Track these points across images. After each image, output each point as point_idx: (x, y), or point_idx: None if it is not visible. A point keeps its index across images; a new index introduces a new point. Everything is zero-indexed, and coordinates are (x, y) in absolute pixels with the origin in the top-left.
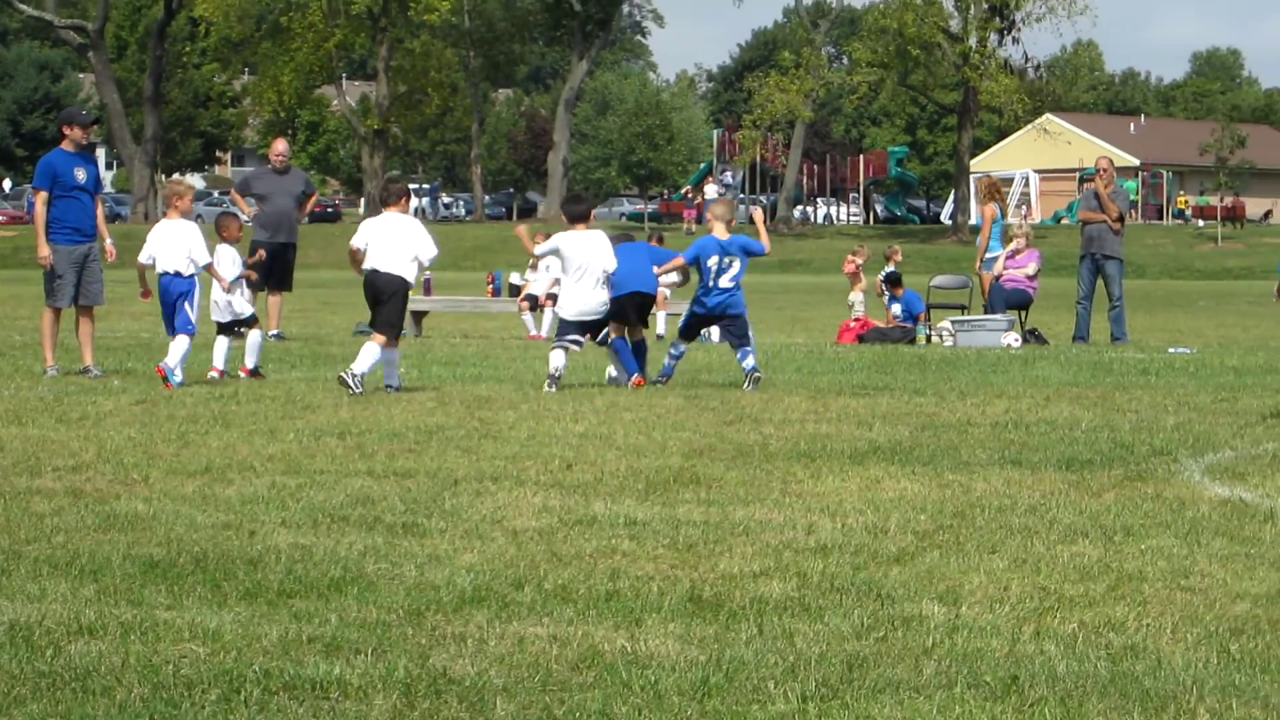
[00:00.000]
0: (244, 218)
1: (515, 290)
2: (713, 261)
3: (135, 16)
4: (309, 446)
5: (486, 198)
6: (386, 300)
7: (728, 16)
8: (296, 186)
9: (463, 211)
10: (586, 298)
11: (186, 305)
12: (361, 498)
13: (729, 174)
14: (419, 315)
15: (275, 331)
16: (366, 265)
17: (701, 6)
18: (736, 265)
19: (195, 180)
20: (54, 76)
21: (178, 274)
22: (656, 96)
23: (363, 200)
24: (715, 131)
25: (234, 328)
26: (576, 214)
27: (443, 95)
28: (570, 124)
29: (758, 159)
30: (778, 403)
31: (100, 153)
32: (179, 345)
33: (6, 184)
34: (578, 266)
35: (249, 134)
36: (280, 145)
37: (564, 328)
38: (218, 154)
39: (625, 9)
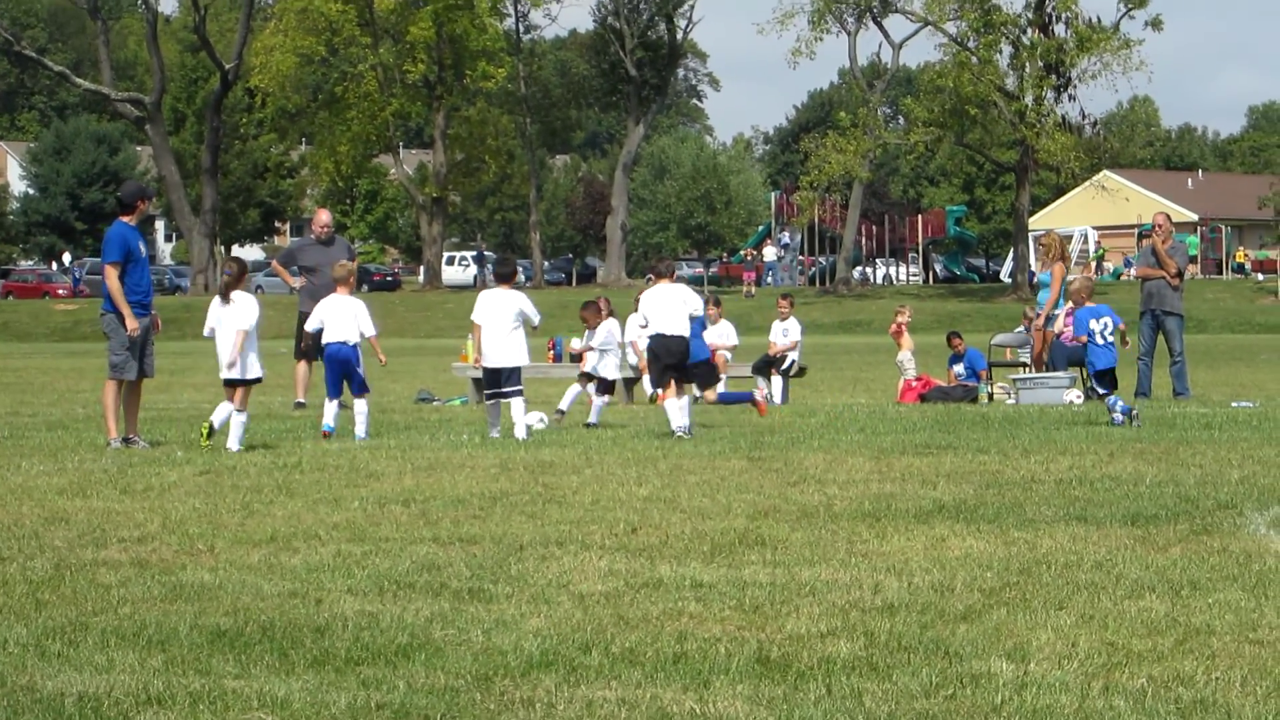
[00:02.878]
0: (289, 289)
1: (576, 356)
2: None
3: (192, 89)
4: (374, 514)
5: (545, 263)
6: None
7: (783, 79)
8: (341, 255)
9: (522, 278)
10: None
11: (361, 370)
12: (427, 564)
13: (787, 236)
14: (480, 382)
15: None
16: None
17: (757, 69)
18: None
19: (254, 251)
20: (112, 150)
21: (344, 343)
22: (714, 160)
23: (421, 268)
24: (773, 193)
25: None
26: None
27: (500, 162)
28: (628, 189)
29: (816, 220)
30: (841, 463)
31: (159, 225)
32: (361, 409)
33: (67, 257)
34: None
35: (307, 204)
36: (323, 216)
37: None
38: (276, 224)
39: (681, 74)
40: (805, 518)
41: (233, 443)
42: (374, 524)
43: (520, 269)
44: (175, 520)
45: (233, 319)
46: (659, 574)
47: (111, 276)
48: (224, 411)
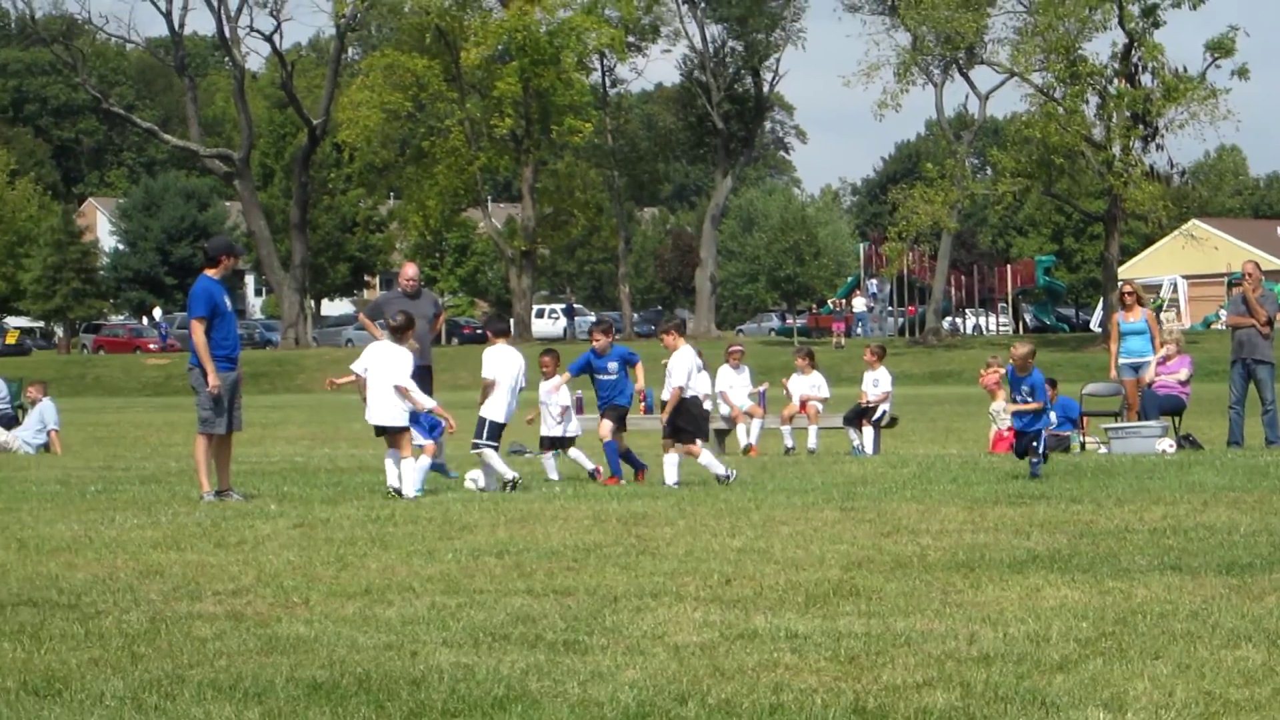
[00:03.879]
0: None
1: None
2: None
3: (280, 144)
4: (468, 566)
5: (635, 316)
6: None
7: (870, 131)
8: (428, 309)
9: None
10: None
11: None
12: (522, 616)
13: (876, 286)
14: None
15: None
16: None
17: (844, 121)
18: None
19: (343, 305)
20: (201, 205)
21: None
22: (802, 211)
23: (511, 321)
24: (861, 244)
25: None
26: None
27: (588, 215)
28: (716, 240)
29: (905, 271)
30: (934, 513)
31: (249, 279)
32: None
33: (157, 312)
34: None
35: (397, 257)
36: (410, 269)
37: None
38: (366, 278)
39: (768, 126)
40: (899, 568)
41: (409, 489)
42: (468, 576)
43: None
44: (270, 573)
45: (387, 367)
46: (754, 625)
47: (198, 331)
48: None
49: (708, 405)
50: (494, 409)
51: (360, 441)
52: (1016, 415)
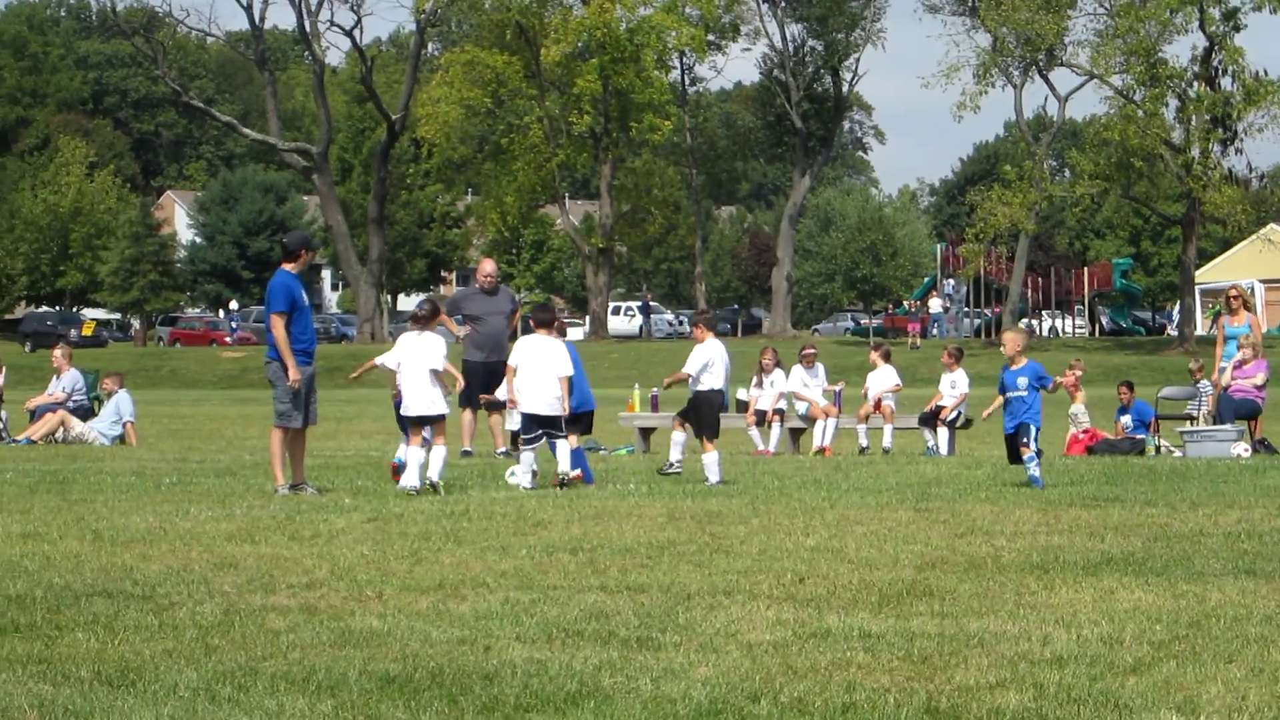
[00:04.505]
0: (454, 338)
1: (742, 406)
2: None
3: (359, 139)
4: (541, 562)
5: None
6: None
7: (949, 132)
8: (505, 305)
9: (688, 328)
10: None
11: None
12: (595, 612)
13: (952, 287)
14: (646, 431)
15: (503, 449)
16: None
17: (922, 122)
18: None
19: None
20: (279, 199)
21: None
22: (879, 212)
23: (587, 318)
24: (938, 245)
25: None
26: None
27: (666, 213)
28: (793, 240)
29: (981, 272)
30: (1009, 515)
31: (325, 274)
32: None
33: (233, 305)
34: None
35: (473, 254)
36: (488, 266)
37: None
38: (443, 274)
39: (846, 126)
40: (973, 569)
41: (433, 472)
42: (542, 572)
43: (684, 320)
44: (344, 567)
45: (420, 355)
46: (827, 624)
47: (278, 325)
48: (416, 457)
49: (782, 404)
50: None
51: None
52: (1008, 415)
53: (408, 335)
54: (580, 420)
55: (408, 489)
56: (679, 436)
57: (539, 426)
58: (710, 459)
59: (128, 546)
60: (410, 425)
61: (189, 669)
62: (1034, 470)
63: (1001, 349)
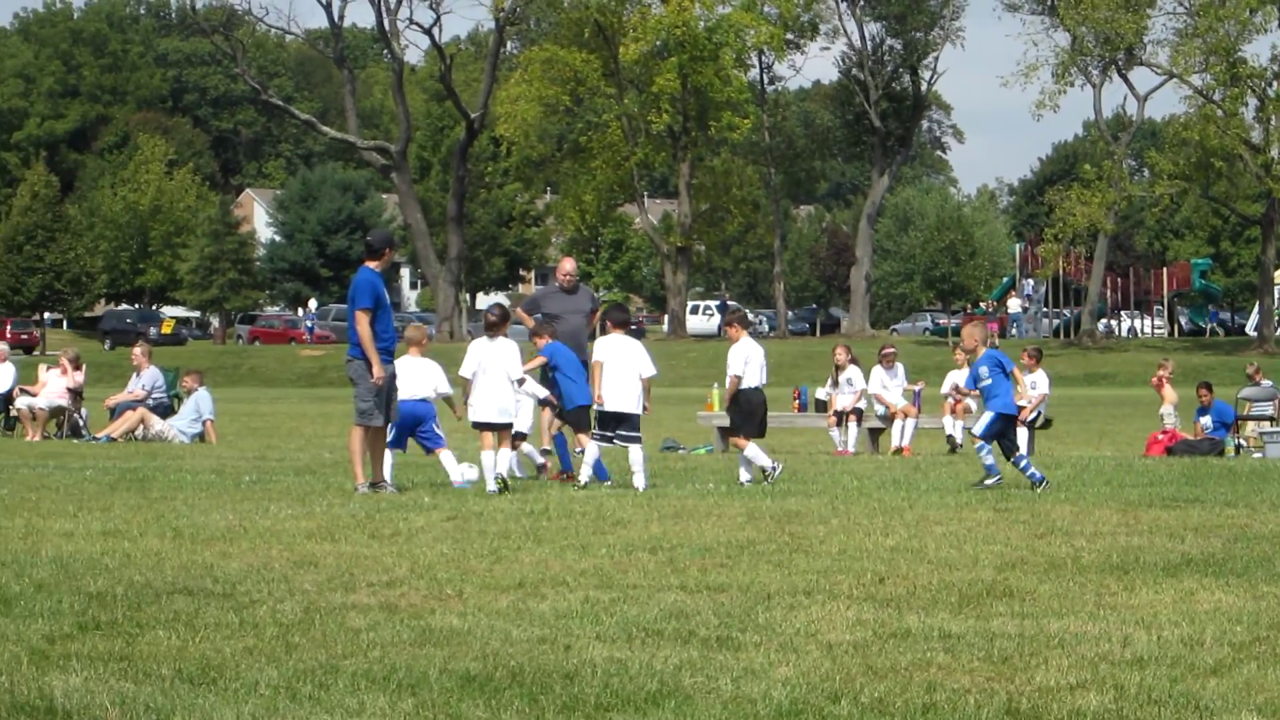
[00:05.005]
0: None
1: (821, 405)
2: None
3: (437, 137)
4: (621, 561)
5: (790, 314)
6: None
7: (1028, 131)
8: (585, 304)
9: (766, 328)
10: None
11: (434, 425)
12: (675, 612)
13: (1031, 287)
14: (725, 430)
15: (582, 448)
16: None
17: (1001, 121)
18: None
19: (498, 299)
20: (357, 197)
21: (419, 399)
22: (958, 211)
23: (666, 317)
24: (1017, 245)
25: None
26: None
27: (744, 212)
28: (872, 239)
29: (1060, 272)
30: (1088, 515)
31: (404, 272)
32: (446, 459)
33: (313, 304)
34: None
35: (552, 252)
36: (568, 264)
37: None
38: (521, 272)
39: (925, 125)
40: (1053, 570)
41: (502, 467)
42: (621, 571)
43: (764, 319)
44: (424, 565)
45: (496, 362)
46: (907, 624)
47: (363, 323)
48: (488, 461)
49: (861, 404)
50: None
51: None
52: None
53: (480, 342)
54: (580, 415)
55: (490, 491)
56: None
57: (616, 425)
58: (751, 452)
59: (208, 544)
60: (480, 430)
61: (270, 667)
62: (1031, 470)
63: (960, 344)
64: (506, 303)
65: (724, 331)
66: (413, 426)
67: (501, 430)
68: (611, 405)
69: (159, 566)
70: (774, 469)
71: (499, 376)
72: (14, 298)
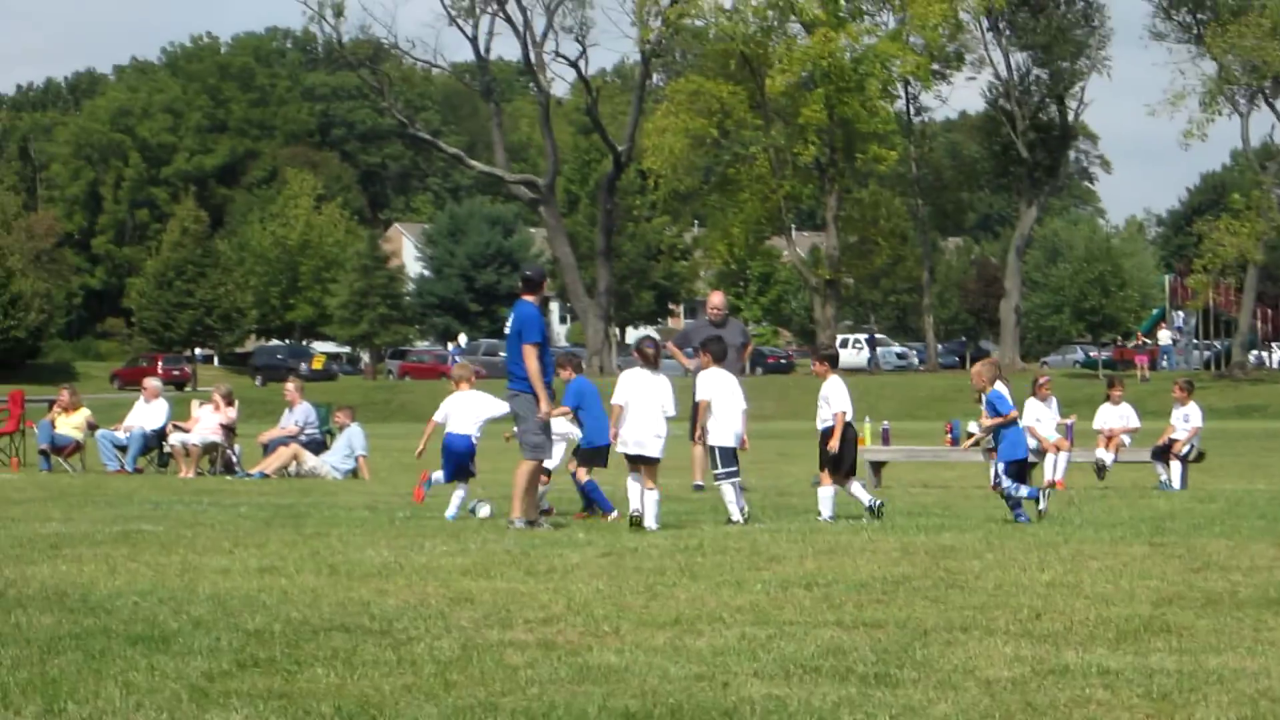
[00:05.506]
0: (684, 370)
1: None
2: None
3: (585, 171)
4: (777, 597)
5: (939, 346)
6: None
7: (1175, 160)
8: (735, 338)
9: (916, 361)
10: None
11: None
12: (832, 648)
13: (1182, 319)
14: (877, 465)
15: (698, 483)
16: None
17: (1149, 150)
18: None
19: (648, 333)
20: (506, 231)
21: (464, 435)
22: (1107, 242)
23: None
24: (1167, 277)
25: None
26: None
27: (893, 244)
28: (1021, 271)
29: (1210, 304)
30: (1244, 549)
31: (554, 306)
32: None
33: (463, 338)
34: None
35: (701, 286)
36: (716, 298)
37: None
38: (670, 306)
39: (1072, 155)
40: (1210, 605)
41: (650, 520)
42: (777, 607)
43: (914, 352)
44: (580, 602)
45: (651, 395)
46: (1065, 660)
47: (533, 357)
48: (635, 491)
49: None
50: (719, 434)
51: (663, 470)
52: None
53: (636, 372)
54: (598, 454)
55: (646, 528)
56: (827, 491)
57: (642, 463)
58: (824, 493)
59: (364, 581)
60: (630, 462)
61: (428, 704)
62: (1027, 503)
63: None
64: (657, 336)
65: (814, 368)
66: (459, 461)
67: (649, 464)
68: (634, 449)
69: (316, 603)
70: (825, 516)
71: (652, 409)
72: (165, 334)
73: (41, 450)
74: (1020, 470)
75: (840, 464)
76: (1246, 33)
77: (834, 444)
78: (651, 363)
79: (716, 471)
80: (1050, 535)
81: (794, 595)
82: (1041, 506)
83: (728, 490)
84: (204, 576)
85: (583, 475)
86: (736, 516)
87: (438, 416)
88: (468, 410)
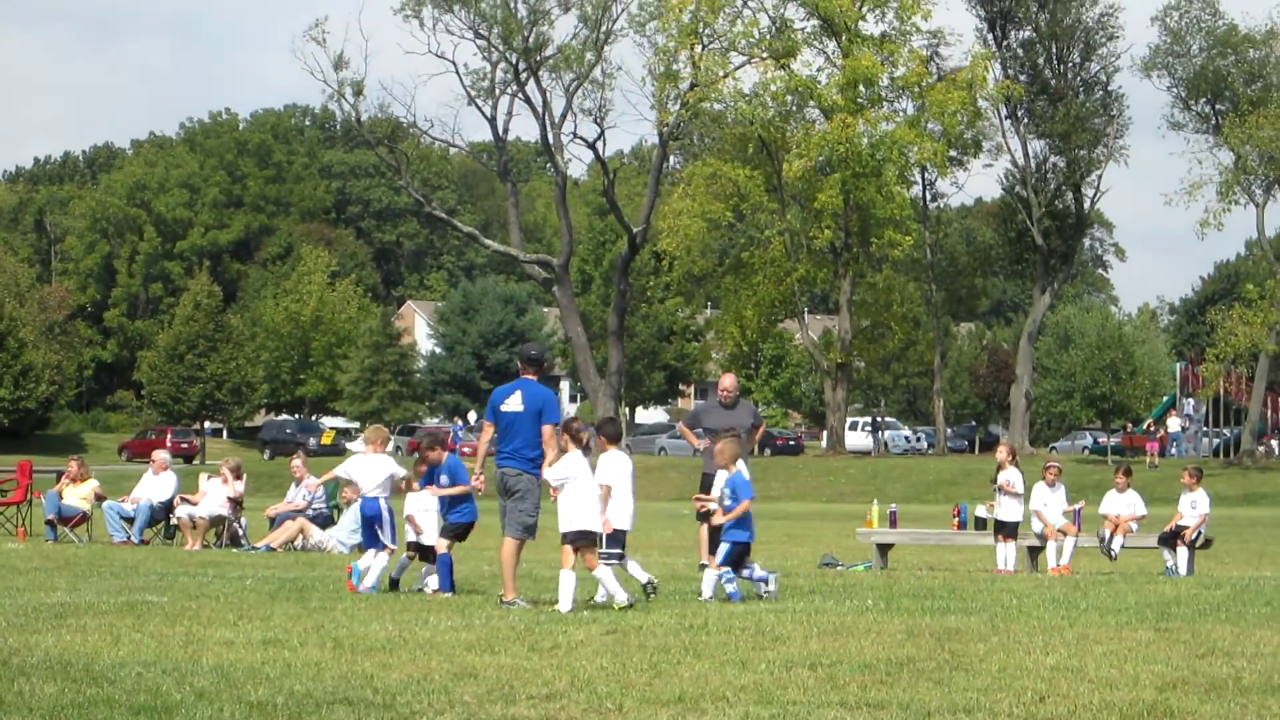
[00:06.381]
0: (693, 450)
1: (980, 523)
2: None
3: (599, 251)
4: (781, 677)
5: (949, 430)
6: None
7: (1190, 249)
8: (745, 419)
9: (924, 445)
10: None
11: (376, 528)
12: None
13: (1191, 407)
14: (884, 548)
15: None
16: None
17: (1163, 239)
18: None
19: (659, 413)
20: (519, 310)
21: (373, 499)
22: (1119, 330)
23: (824, 434)
24: (1178, 364)
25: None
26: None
27: (905, 329)
28: (1032, 357)
29: (1221, 392)
30: (1249, 636)
31: (564, 385)
32: (380, 561)
33: (472, 416)
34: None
35: (712, 367)
36: (727, 380)
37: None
38: (680, 387)
39: (1087, 243)
40: (1214, 690)
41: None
42: (781, 687)
43: (922, 436)
44: (584, 679)
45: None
46: None
47: (554, 437)
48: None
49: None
50: (617, 518)
51: (671, 549)
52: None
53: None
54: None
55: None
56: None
57: (619, 545)
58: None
59: (368, 655)
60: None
61: None
62: (730, 587)
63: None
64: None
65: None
66: (372, 524)
67: (590, 541)
68: (618, 524)
69: (319, 676)
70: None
71: (591, 489)
72: (175, 406)
73: (48, 520)
74: (742, 553)
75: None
76: (1264, 124)
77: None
78: (583, 445)
79: (603, 552)
80: (1055, 619)
81: (798, 675)
82: (770, 590)
83: (608, 573)
84: (208, 648)
85: (442, 548)
86: (623, 599)
87: (339, 471)
88: (374, 474)
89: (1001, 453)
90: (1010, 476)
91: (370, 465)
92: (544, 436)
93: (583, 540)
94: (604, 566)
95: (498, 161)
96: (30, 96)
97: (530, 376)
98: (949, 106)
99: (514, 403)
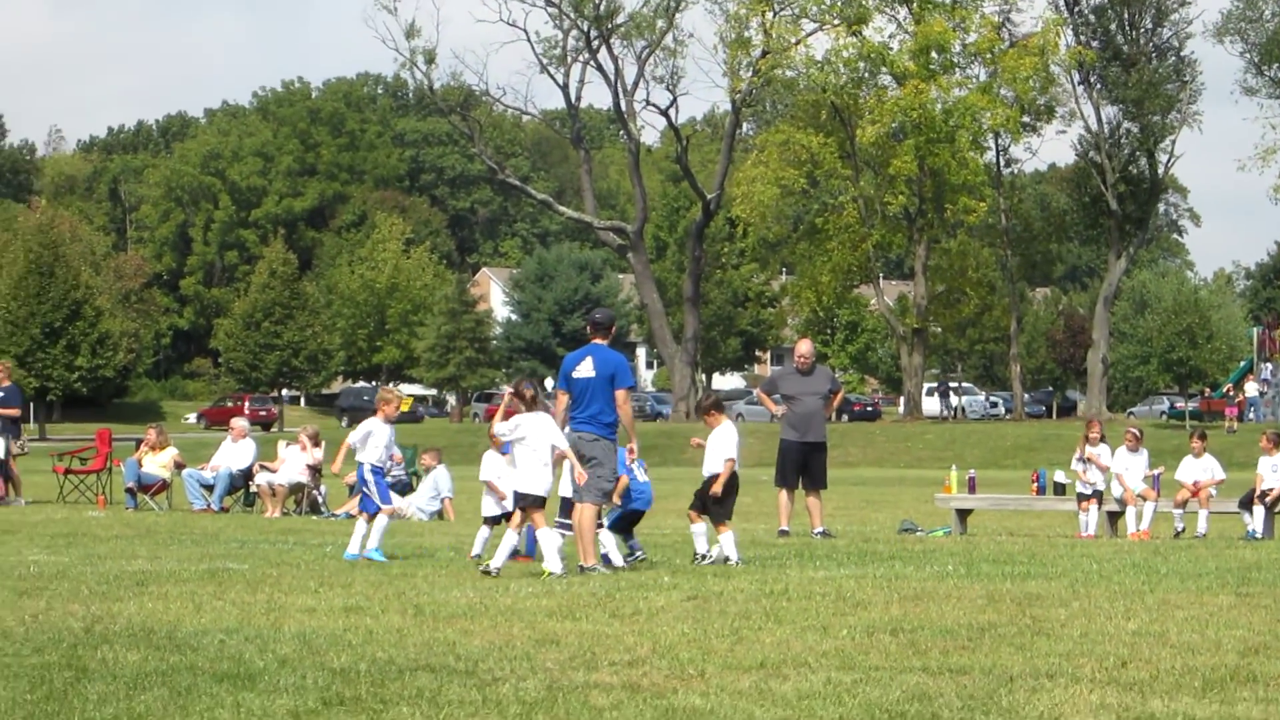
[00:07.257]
0: (771, 416)
1: (1060, 488)
2: None
3: (674, 218)
4: (862, 643)
5: (1026, 396)
6: None
7: (1265, 213)
8: (822, 385)
9: (1003, 410)
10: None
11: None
12: (918, 694)
13: (1269, 371)
14: (963, 513)
15: (820, 529)
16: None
17: (1238, 204)
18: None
19: (735, 379)
20: (594, 277)
21: (375, 467)
22: (1195, 294)
23: (901, 399)
24: (1254, 329)
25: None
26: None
27: (981, 294)
28: (1109, 322)
29: None
30: None
31: (640, 352)
32: (379, 523)
33: (549, 383)
34: None
35: (788, 333)
36: (804, 346)
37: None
38: (757, 353)
39: (1162, 208)
40: None
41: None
42: (863, 652)
43: (1000, 401)
44: (665, 645)
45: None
46: (1150, 709)
47: (627, 404)
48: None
49: (1102, 485)
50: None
51: (750, 515)
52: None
53: (522, 416)
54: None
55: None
56: (700, 528)
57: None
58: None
59: (449, 621)
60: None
61: None
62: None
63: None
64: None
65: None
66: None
67: (537, 505)
68: (565, 491)
69: (401, 643)
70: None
71: (539, 450)
72: (252, 374)
73: (128, 488)
74: (631, 520)
75: (721, 509)
76: None
77: (717, 488)
78: (530, 404)
79: (559, 520)
80: (1136, 584)
81: (879, 640)
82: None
83: (553, 537)
84: (290, 615)
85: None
86: (557, 568)
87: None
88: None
89: (1094, 431)
90: (1099, 450)
91: (539, 425)
92: (617, 401)
93: (531, 503)
94: (550, 530)
95: (571, 129)
96: (104, 66)
97: (600, 341)
98: (1021, 72)
99: (585, 369)
